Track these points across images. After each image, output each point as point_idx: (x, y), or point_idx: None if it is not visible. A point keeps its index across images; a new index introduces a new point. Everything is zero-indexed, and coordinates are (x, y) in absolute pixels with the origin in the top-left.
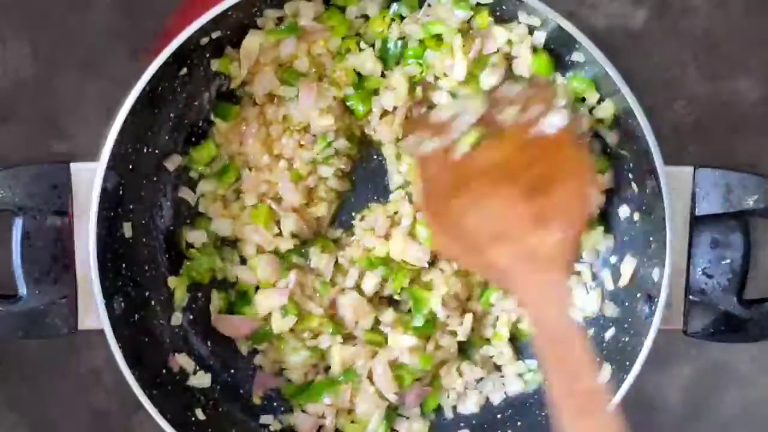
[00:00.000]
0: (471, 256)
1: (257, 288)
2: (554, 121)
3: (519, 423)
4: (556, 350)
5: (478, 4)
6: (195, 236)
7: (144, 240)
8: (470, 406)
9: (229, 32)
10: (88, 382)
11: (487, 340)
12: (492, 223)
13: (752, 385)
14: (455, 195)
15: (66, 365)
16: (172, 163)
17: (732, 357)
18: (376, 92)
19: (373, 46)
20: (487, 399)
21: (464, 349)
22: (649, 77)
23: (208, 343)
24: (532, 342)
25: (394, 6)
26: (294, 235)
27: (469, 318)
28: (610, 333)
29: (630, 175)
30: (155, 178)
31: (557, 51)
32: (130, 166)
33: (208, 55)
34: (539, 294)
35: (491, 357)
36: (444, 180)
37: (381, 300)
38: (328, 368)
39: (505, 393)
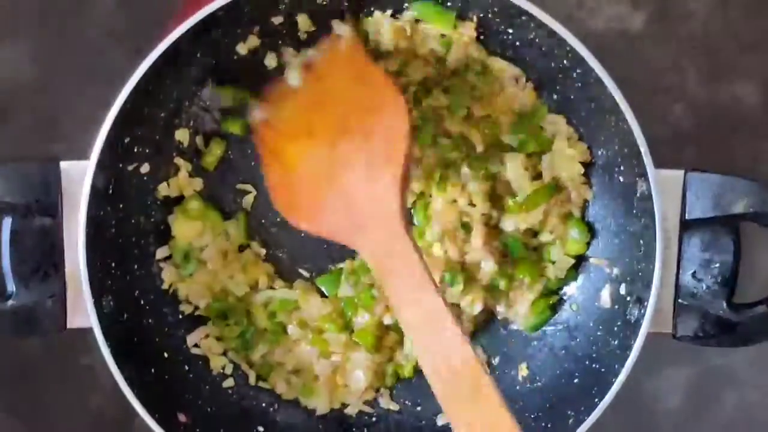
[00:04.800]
0: (312, 221)
1: None
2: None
3: None
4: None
5: None
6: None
7: (134, 239)
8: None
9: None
10: (87, 385)
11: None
12: (320, 182)
13: (751, 389)
14: (283, 159)
15: (64, 368)
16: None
17: (731, 360)
18: None
19: None
20: None
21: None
22: (647, 81)
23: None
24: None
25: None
26: None
27: None
28: (599, 335)
29: (620, 179)
30: (146, 178)
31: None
32: (121, 165)
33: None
34: (379, 243)
35: None
36: (274, 144)
37: None
38: None
39: None
